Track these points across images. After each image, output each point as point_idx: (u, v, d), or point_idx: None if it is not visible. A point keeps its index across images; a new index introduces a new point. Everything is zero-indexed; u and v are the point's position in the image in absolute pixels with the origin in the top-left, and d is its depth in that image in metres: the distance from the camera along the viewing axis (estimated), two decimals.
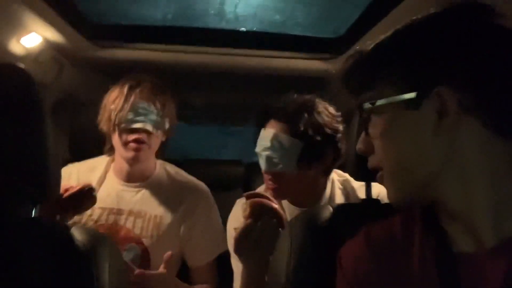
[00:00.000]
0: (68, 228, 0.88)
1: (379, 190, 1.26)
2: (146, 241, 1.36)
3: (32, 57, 1.42)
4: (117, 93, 1.34)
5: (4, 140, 0.84)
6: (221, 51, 1.63)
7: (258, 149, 1.26)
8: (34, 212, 0.93)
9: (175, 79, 1.80)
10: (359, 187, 1.33)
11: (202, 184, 1.52)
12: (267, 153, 1.22)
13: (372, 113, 0.68)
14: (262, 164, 1.24)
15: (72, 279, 0.83)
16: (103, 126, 1.37)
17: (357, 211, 0.96)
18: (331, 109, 1.28)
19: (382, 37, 0.69)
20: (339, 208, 0.95)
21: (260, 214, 1.06)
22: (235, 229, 1.09)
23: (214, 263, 1.46)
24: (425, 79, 0.61)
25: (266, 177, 1.27)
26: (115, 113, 1.31)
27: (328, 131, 1.23)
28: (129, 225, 1.36)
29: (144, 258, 1.35)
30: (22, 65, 0.91)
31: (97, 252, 0.86)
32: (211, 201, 1.50)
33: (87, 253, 0.85)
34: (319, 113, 1.24)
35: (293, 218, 0.98)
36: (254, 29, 1.60)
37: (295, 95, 1.29)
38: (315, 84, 1.75)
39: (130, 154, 1.34)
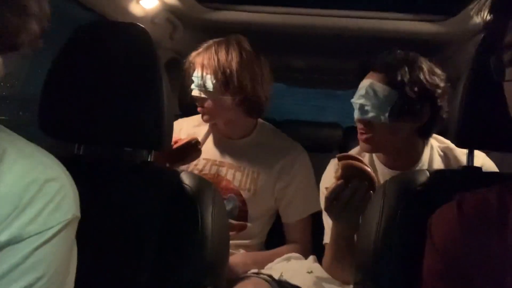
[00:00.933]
0: (178, 173, 0.99)
1: (483, 161, 1.21)
2: (244, 194, 1.45)
3: (149, 18, 1.55)
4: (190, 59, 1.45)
5: (126, 92, 0.96)
6: (326, 12, 1.61)
7: (354, 99, 1.26)
8: (150, 158, 1.06)
9: (277, 40, 1.84)
10: (461, 155, 1.27)
11: (299, 145, 1.56)
12: (361, 101, 1.22)
13: None
14: (355, 112, 1.24)
15: (179, 218, 0.94)
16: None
17: (456, 178, 0.93)
18: (435, 68, 1.23)
19: None
20: (436, 174, 0.93)
21: (351, 175, 1.08)
22: (326, 188, 1.12)
23: (308, 221, 1.50)
24: None
25: (359, 126, 1.26)
26: (186, 83, 1.44)
27: (427, 86, 1.19)
28: (229, 176, 1.47)
29: (242, 209, 1.46)
30: (142, 25, 1.01)
31: (203, 196, 0.96)
32: (307, 161, 1.54)
33: (194, 196, 0.95)
34: (420, 68, 1.20)
35: (388, 180, 0.98)
36: None
37: (399, 51, 1.27)
38: (425, 46, 1.67)
39: (203, 118, 1.46)
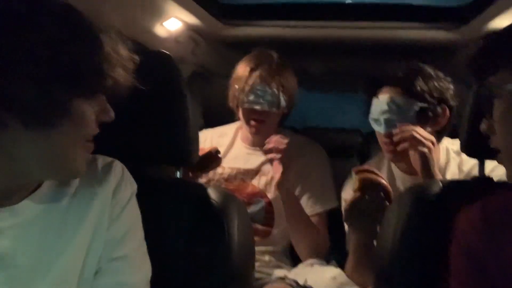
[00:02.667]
0: (205, 188, 1.06)
1: (492, 165, 1.25)
2: (270, 195, 1.53)
3: (173, 37, 1.63)
4: (241, 73, 1.48)
5: (154, 113, 1.03)
6: (342, 24, 1.67)
7: (374, 115, 1.31)
8: (179, 174, 1.13)
9: (295, 50, 1.90)
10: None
11: (316, 144, 1.64)
12: (385, 116, 1.28)
13: (495, 96, 0.71)
14: (381, 127, 1.30)
15: (206, 232, 1.01)
16: (231, 102, 1.53)
17: (468, 188, 0.97)
18: (439, 73, 1.32)
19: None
20: (449, 184, 0.98)
21: (368, 188, 1.14)
22: (345, 200, 1.18)
23: (324, 216, 1.54)
24: None
25: (385, 140, 1.32)
26: (238, 93, 1.46)
27: (443, 90, 1.28)
28: (255, 182, 1.54)
29: (268, 210, 1.53)
30: (167, 52, 1.08)
31: (228, 210, 1.02)
32: (326, 159, 1.61)
33: (220, 210, 1.02)
34: (430, 75, 1.30)
35: (403, 192, 1.03)
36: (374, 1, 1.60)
37: (402, 63, 1.34)
38: (438, 53, 1.71)
39: (252, 130, 1.52)
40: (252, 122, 1.50)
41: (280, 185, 1.44)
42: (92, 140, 0.73)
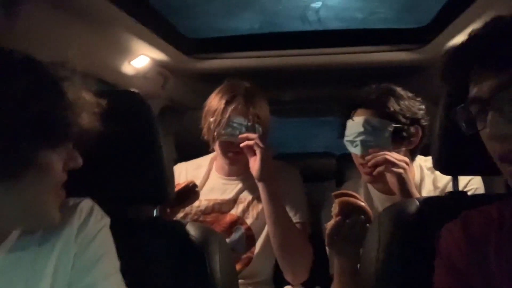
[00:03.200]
0: (184, 225, 1.05)
1: (466, 181, 1.29)
2: (248, 221, 1.52)
3: (141, 74, 1.63)
4: (215, 106, 1.47)
5: (128, 152, 1.02)
6: (307, 52, 1.70)
7: (349, 137, 1.33)
8: (155, 213, 1.11)
9: (264, 79, 1.93)
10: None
11: (290, 166, 1.65)
12: (361, 138, 1.30)
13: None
14: (357, 149, 1.32)
15: (188, 268, 0.99)
16: (205, 134, 1.53)
17: (444, 204, 0.99)
18: (409, 93, 1.37)
19: (476, 30, 0.71)
20: (425, 201, 0.99)
21: (348, 211, 1.14)
22: (326, 225, 1.18)
23: (302, 227, 1.52)
24: None
25: (362, 161, 1.34)
26: (213, 126, 1.46)
27: (415, 110, 1.32)
28: (233, 211, 1.54)
29: (249, 235, 1.52)
30: (136, 91, 1.08)
31: (208, 245, 1.01)
32: (298, 178, 1.62)
33: (200, 246, 1.00)
34: (401, 96, 1.34)
35: (381, 212, 1.04)
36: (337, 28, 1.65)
37: (374, 86, 1.38)
38: (400, 73, 1.76)
39: (229, 161, 1.52)
40: (230, 154, 1.50)
41: (259, 169, 1.41)
42: (62, 187, 0.73)
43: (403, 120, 1.30)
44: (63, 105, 0.66)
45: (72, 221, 0.78)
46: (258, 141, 1.39)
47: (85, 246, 0.78)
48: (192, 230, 1.03)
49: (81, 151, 0.81)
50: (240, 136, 1.42)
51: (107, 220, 0.85)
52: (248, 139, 1.40)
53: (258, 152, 1.40)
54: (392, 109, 1.30)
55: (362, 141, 1.30)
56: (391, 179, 1.27)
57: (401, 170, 1.22)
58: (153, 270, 0.99)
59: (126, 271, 0.97)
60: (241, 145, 1.41)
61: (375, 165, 1.25)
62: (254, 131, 1.45)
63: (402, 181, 1.22)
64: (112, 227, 1.07)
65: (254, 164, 1.41)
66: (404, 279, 0.93)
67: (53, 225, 0.73)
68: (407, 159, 1.26)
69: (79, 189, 1.02)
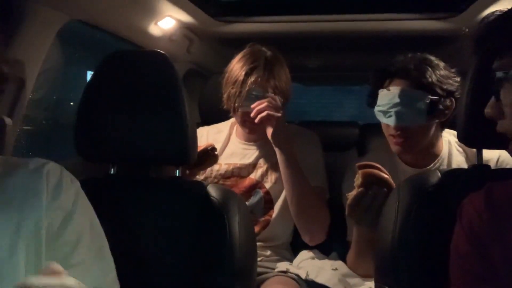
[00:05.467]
0: (205, 186, 1.07)
1: (499, 153, 1.26)
2: (267, 184, 1.54)
3: (167, 36, 1.63)
4: (235, 76, 1.46)
5: (152, 113, 1.04)
6: (336, 18, 1.66)
7: (383, 107, 1.30)
8: (178, 173, 1.14)
9: (291, 45, 1.90)
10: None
11: (311, 132, 1.65)
12: (396, 109, 1.26)
13: (505, 80, 0.69)
14: (391, 120, 1.28)
15: (208, 229, 1.02)
16: (225, 104, 1.52)
17: (466, 177, 0.98)
18: (445, 64, 1.32)
19: None
20: (447, 174, 0.99)
21: (371, 183, 1.14)
22: (348, 195, 1.19)
23: (320, 191, 1.53)
24: None
25: (394, 133, 1.31)
26: (233, 97, 1.45)
27: (451, 81, 1.28)
28: (252, 175, 1.56)
29: (267, 199, 1.54)
30: (162, 52, 1.09)
31: (228, 207, 1.03)
32: (318, 144, 1.61)
33: (220, 208, 1.03)
34: (438, 66, 1.29)
35: (401, 182, 1.04)
36: None
37: (409, 55, 1.33)
38: (431, 43, 1.71)
39: (248, 130, 1.53)
40: (248, 124, 1.50)
41: (275, 136, 1.43)
42: None
43: (439, 92, 1.26)
44: None
45: (37, 186, 0.74)
46: (271, 111, 1.40)
47: (65, 220, 0.75)
48: (212, 191, 1.05)
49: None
50: (252, 106, 1.41)
51: (78, 184, 0.80)
52: (260, 110, 1.40)
53: (272, 120, 1.41)
54: (430, 79, 1.25)
55: (396, 112, 1.27)
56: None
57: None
58: (174, 229, 1.03)
59: (145, 229, 1.01)
60: (256, 120, 1.41)
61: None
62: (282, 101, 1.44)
63: None
64: (133, 185, 1.12)
65: (269, 131, 1.43)
66: (420, 249, 0.94)
67: None
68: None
69: (103, 147, 1.06)
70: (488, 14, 0.73)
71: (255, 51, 1.50)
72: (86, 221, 0.79)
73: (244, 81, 1.43)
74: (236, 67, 1.48)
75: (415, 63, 1.29)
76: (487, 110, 0.73)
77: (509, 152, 0.72)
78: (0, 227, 0.70)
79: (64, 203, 0.75)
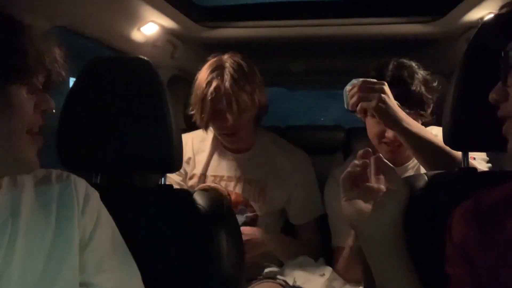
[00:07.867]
0: (191, 193, 1.05)
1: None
2: (254, 204, 1.52)
3: (150, 42, 1.62)
4: (198, 89, 1.43)
5: (136, 120, 1.02)
6: (319, 22, 1.67)
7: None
8: (163, 181, 1.12)
9: (276, 49, 1.90)
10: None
11: (301, 151, 1.62)
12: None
13: None
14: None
15: (195, 237, 1.00)
16: (197, 120, 1.48)
17: (453, 180, 0.98)
18: (422, 69, 1.35)
19: None
20: (434, 177, 0.98)
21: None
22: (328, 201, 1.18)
23: (315, 222, 1.56)
24: None
25: (389, 139, 1.32)
26: (199, 114, 1.43)
27: (430, 85, 1.32)
28: (238, 190, 1.53)
29: (253, 218, 1.52)
30: (145, 58, 1.07)
31: (215, 214, 1.01)
32: (310, 167, 1.60)
33: (207, 215, 1.00)
34: (418, 68, 1.32)
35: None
36: None
37: (390, 60, 1.35)
38: (415, 46, 1.73)
39: (224, 139, 1.52)
40: (226, 137, 1.50)
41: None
42: (40, 132, 0.74)
43: (420, 91, 1.29)
44: (23, 43, 0.67)
45: (69, 198, 0.79)
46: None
47: (94, 229, 0.80)
48: (199, 198, 1.03)
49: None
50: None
51: (97, 194, 0.86)
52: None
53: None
54: (418, 89, 1.28)
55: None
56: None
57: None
58: (159, 237, 1.00)
59: (131, 238, 0.99)
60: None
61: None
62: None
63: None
64: (118, 194, 1.09)
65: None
66: (410, 254, 0.93)
67: (30, 169, 0.74)
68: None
69: (87, 155, 1.04)
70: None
71: (216, 60, 1.47)
72: (109, 228, 0.84)
73: (205, 94, 1.40)
74: (199, 80, 1.46)
75: (393, 71, 1.30)
76: (492, 95, 0.71)
77: (504, 133, 0.70)
78: (39, 238, 0.73)
79: (92, 213, 0.80)
